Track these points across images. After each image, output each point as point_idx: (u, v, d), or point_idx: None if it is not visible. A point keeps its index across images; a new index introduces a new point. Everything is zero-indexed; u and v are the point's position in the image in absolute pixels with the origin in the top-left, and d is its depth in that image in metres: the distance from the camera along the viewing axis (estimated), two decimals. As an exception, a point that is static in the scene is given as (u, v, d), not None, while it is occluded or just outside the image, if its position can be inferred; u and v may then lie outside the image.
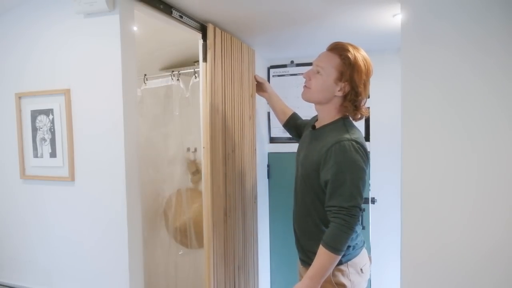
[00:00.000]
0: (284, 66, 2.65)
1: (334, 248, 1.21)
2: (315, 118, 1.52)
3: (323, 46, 1.39)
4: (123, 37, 1.28)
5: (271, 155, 2.69)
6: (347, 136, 1.24)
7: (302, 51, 2.46)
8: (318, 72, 1.31)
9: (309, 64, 2.64)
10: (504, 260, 1.13)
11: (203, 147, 1.65)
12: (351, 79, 1.27)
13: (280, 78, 2.66)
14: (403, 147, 1.24)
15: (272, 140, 2.71)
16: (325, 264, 1.22)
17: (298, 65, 2.63)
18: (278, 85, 2.59)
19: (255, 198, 2.23)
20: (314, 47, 2.36)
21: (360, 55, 1.29)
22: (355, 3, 1.54)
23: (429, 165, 1.19)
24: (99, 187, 1.33)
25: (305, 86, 1.38)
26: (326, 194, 1.26)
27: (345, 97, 1.30)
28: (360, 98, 1.31)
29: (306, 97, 1.38)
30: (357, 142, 1.23)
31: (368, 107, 1.38)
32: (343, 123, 1.32)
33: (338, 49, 1.29)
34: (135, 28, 1.32)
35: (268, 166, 2.68)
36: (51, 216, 1.43)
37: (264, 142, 2.67)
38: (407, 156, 1.23)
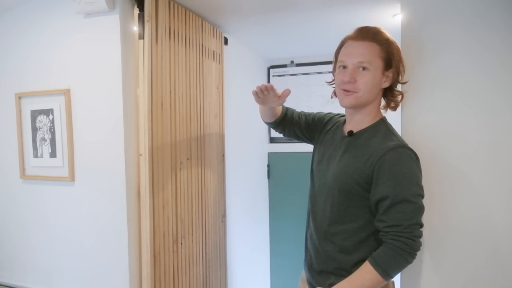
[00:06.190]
0: (284, 66, 2.65)
1: (386, 272, 1.00)
2: (340, 119, 1.28)
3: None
4: (123, 37, 1.28)
5: (271, 155, 2.69)
6: (397, 142, 1.05)
7: (302, 51, 2.46)
8: (364, 69, 1.08)
9: (309, 64, 2.67)
10: (506, 261, 1.13)
11: (140, 154, 1.33)
12: (399, 63, 1.10)
13: (280, 78, 2.66)
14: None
15: (272, 140, 2.71)
16: (366, 284, 1.03)
17: (298, 65, 2.63)
18: (278, 85, 2.58)
19: (223, 216, 1.88)
20: (313, 47, 2.38)
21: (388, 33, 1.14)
22: (355, 3, 1.54)
23: (430, 164, 1.19)
24: (99, 187, 1.34)
25: (349, 92, 1.10)
26: (375, 210, 1.06)
27: (388, 86, 1.13)
28: (400, 81, 1.14)
29: (354, 103, 1.10)
30: (411, 150, 1.06)
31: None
32: (386, 126, 1.12)
33: (371, 35, 1.09)
34: (135, 28, 1.33)
35: (268, 166, 2.68)
36: (51, 216, 1.43)
37: (264, 142, 2.67)
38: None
